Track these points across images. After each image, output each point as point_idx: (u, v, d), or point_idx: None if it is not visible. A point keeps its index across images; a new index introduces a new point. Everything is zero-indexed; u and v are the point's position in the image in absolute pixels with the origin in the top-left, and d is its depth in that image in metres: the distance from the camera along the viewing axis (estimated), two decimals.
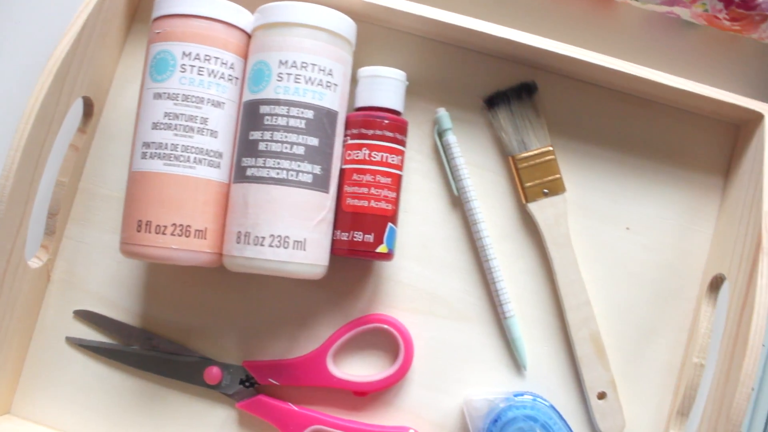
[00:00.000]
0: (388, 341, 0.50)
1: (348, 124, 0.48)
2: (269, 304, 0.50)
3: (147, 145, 0.46)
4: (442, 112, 0.50)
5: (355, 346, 0.50)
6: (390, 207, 0.47)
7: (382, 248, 0.47)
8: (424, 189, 0.51)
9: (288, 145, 0.45)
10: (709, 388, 0.46)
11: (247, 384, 0.50)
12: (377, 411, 0.50)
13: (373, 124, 0.47)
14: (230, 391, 0.50)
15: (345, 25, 0.47)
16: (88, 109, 0.52)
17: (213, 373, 0.50)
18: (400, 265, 0.50)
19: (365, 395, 0.49)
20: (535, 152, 0.50)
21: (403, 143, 0.48)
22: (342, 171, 0.47)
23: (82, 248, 0.52)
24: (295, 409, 0.49)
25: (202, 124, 0.46)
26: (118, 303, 0.51)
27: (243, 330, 0.50)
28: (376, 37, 0.51)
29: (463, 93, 0.51)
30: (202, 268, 0.51)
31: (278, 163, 0.45)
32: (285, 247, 0.45)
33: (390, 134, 0.47)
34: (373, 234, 0.47)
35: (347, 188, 0.47)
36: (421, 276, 0.50)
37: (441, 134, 0.50)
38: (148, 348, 0.51)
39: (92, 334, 0.51)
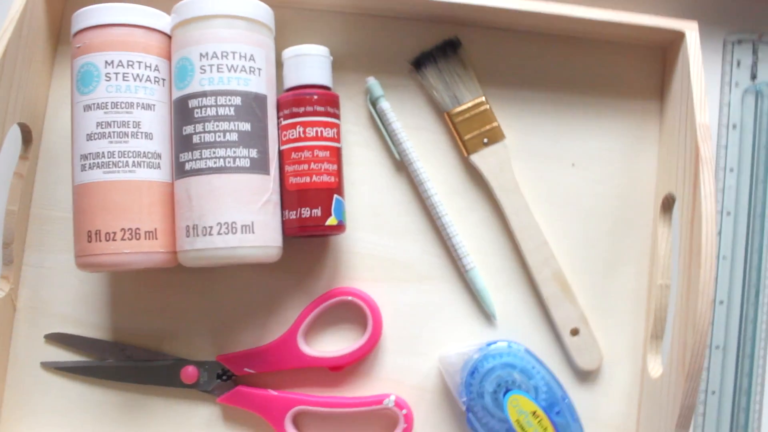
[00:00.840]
0: (355, 313, 0.50)
1: (279, 106, 0.48)
2: (234, 296, 0.51)
3: (84, 157, 0.46)
4: (372, 81, 0.51)
5: (324, 322, 0.50)
6: (333, 179, 0.47)
7: (331, 221, 0.47)
8: (367, 159, 0.51)
9: (221, 134, 0.45)
10: (675, 306, 0.46)
11: (224, 378, 0.50)
12: (356, 383, 0.50)
13: (303, 101, 0.47)
14: (209, 387, 0.50)
15: (261, 11, 0.47)
16: (27, 135, 0.52)
17: (189, 372, 0.50)
18: (356, 237, 0.51)
19: (341, 369, 0.49)
20: (469, 105, 0.50)
21: (336, 116, 0.48)
22: (281, 153, 0.48)
23: (43, 273, 0.52)
24: (275, 394, 0.49)
25: (135, 128, 0.46)
26: (87, 320, 0.51)
27: (213, 326, 0.51)
28: (297, 21, 0.52)
29: (390, 60, 0.52)
30: (162, 271, 0.51)
31: (214, 153, 0.45)
32: (233, 233, 0.45)
33: (321, 108, 0.47)
34: (320, 208, 0.47)
35: (288, 168, 0.47)
36: (377, 244, 0.51)
37: (374, 102, 0.51)
38: (122, 359, 0.51)
39: (66, 355, 0.52)
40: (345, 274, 0.50)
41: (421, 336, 0.50)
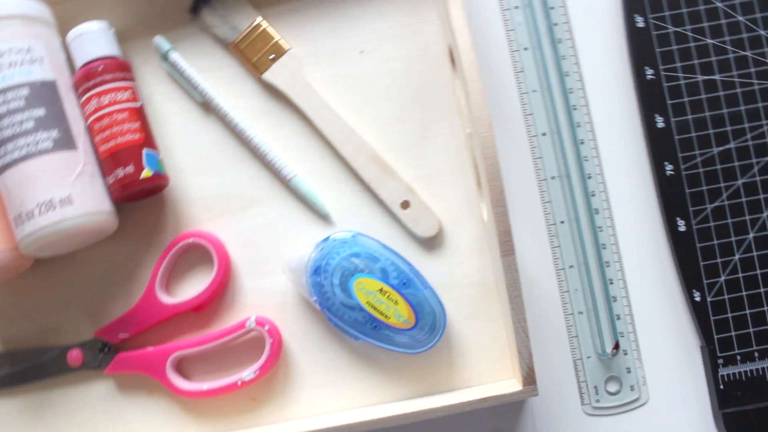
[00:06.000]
0: (201, 252, 0.52)
1: (76, 86, 0.51)
2: (95, 273, 0.53)
3: None
4: (157, 39, 0.53)
5: (177, 271, 0.53)
6: (138, 136, 0.50)
7: (146, 173, 0.50)
8: (176, 111, 0.53)
9: (17, 125, 0.48)
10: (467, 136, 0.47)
11: (106, 351, 0.52)
12: (223, 318, 0.52)
13: (91, 74, 0.50)
14: (95, 363, 0.52)
15: (34, 6, 0.51)
16: None
17: (74, 355, 0.53)
18: (186, 184, 0.53)
19: (205, 309, 0.51)
20: (248, 30, 0.52)
21: (128, 79, 0.51)
22: (88, 128, 0.51)
23: None
24: (151, 349, 0.51)
25: None
26: None
27: (86, 307, 0.53)
28: (80, 7, 0.54)
29: (173, 16, 0.54)
30: (26, 273, 0.54)
31: (16, 144, 0.48)
32: (53, 209, 0.48)
33: (109, 76, 0.50)
34: (132, 164, 0.50)
35: (96, 138, 0.50)
36: (207, 184, 0.53)
37: (165, 57, 0.53)
38: (14, 365, 0.54)
39: None
40: (186, 221, 0.53)
41: (270, 255, 0.52)
